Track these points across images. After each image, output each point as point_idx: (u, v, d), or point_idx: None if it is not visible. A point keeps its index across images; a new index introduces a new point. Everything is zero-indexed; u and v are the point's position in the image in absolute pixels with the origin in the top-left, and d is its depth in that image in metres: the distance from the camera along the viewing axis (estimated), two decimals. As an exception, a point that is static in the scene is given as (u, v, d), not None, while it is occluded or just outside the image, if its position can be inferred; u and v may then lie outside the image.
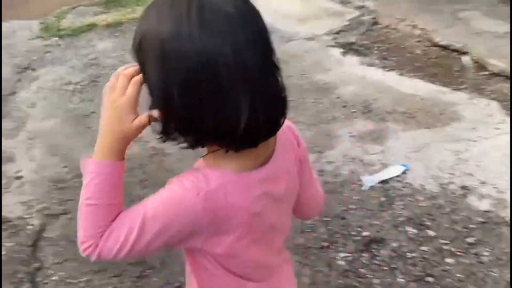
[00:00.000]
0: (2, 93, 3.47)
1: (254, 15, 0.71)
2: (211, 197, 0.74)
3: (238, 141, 0.71)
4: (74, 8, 5.37)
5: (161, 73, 0.70)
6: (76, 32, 4.62)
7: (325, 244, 2.13)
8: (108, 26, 4.74)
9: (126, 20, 4.84)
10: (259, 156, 0.79)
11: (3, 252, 2.15)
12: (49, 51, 4.30)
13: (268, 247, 0.91)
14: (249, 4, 0.71)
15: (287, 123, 0.82)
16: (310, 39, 4.15)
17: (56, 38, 4.57)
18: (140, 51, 0.75)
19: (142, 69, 0.76)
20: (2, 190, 2.51)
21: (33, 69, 3.93)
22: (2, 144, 2.90)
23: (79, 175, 0.83)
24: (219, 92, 0.67)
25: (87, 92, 3.49)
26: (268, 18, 0.77)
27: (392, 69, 3.60)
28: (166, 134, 0.74)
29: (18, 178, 2.58)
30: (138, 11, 5.08)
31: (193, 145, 0.75)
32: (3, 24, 5.12)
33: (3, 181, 2.57)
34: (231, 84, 0.67)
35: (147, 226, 0.75)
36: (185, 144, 0.75)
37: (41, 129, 3.04)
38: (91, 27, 4.73)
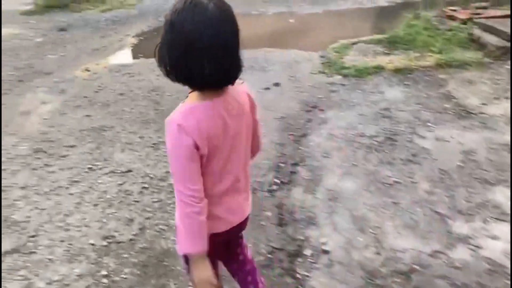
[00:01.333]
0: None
1: (232, 16, 1.21)
2: (187, 117, 1.23)
3: (200, 85, 1.24)
4: (354, 44, 5.12)
5: (164, 40, 1.20)
6: (362, 74, 4.28)
7: None
8: (396, 71, 4.28)
9: (416, 67, 4.31)
10: (218, 95, 1.27)
11: None
12: (334, 90, 4.05)
13: (236, 168, 1.39)
14: (226, 10, 1.19)
15: (244, 85, 1.38)
16: None
17: (340, 77, 4.32)
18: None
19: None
20: (308, 264, 2.20)
21: (320, 110, 3.72)
22: (302, 196, 2.67)
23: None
24: (191, 54, 1.17)
25: (385, 153, 3.04)
26: None
27: None
28: (167, 76, 1.23)
29: (325, 252, 2.24)
30: (428, 57, 4.51)
31: (180, 82, 1.23)
32: (287, 52, 5.24)
33: (308, 251, 2.28)
34: (198, 51, 1.16)
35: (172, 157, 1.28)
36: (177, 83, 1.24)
37: (341, 190, 2.69)
38: (377, 69, 4.34)
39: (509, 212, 2.44)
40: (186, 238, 1.31)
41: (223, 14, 1.18)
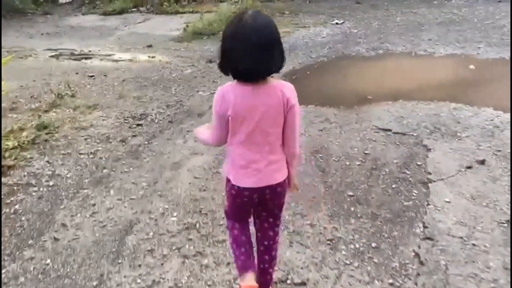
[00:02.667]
0: None
1: (267, 28, 1.66)
2: (224, 90, 1.75)
3: (237, 77, 1.71)
4: None
5: (220, 45, 1.70)
6: None
7: None
8: None
9: None
10: (255, 83, 1.71)
11: None
12: None
13: (255, 142, 1.80)
14: (267, 23, 1.67)
15: (287, 83, 1.80)
16: None
17: None
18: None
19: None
20: None
21: None
22: None
23: None
24: (237, 56, 1.63)
25: None
26: None
27: None
28: (219, 68, 1.74)
29: None
30: None
31: (226, 74, 1.73)
32: (479, 111, 4.17)
33: None
34: (242, 56, 1.62)
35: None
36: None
37: None
38: None
39: None
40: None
41: (254, 30, 1.63)
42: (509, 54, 5.93)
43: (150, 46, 7.57)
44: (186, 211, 2.92)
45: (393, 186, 3.13)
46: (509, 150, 3.45)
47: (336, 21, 8.49)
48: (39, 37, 8.56)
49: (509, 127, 3.81)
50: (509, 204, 2.82)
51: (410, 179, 3.21)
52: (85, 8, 11.17)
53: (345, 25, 8.26)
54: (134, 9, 10.61)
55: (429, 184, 3.11)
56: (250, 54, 1.60)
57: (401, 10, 9.24)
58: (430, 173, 3.25)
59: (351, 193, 3.05)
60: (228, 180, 1.89)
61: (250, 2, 10.24)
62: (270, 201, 1.90)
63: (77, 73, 6.16)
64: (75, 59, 6.97)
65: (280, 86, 1.75)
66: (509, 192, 2.94)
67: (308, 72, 5.88)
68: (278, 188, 1.87)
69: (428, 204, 2.88)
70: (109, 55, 7.15)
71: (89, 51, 7.46)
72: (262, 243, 2.02)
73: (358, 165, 3.43)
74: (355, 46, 6.88)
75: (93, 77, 5.95)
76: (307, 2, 10.61)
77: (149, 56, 6.93)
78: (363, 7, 9.71)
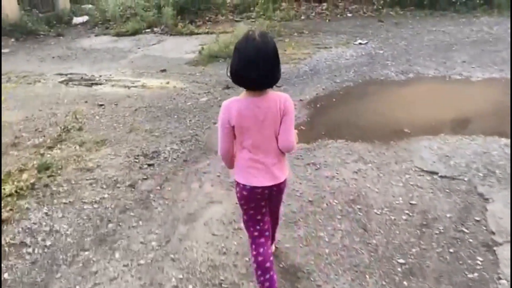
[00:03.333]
0: None
1: (268, 46, 1.94)
2: (229, 103, 2.04)
3: (245, 86, 2.01)
4: None
5: (232, 58, 1.98)
6: None
7: None
8: None
9: None
10: (256, 95, 2.01)
11: None
12: None
13: (258, 142, 2.09)
14: (264, 47, 1.93)
15: (283, 94, 2.07)
16: None
17: None
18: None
19: None
20: None
21: None
22: None
23: None
24: (241, 66, 1.93)
25: None
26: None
27: None
28: (230, 78, 2.00)
29: None
30: None
31: (236, 84, 2.02)
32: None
33: None
34: (244, 67, 1.92)
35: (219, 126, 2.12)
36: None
37: None
38: None
39: None
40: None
41: (261, 48, 1.93)
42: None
43: (164, 70, 7.19)
44: (203, 284, 2.45)
45: (451, 250, 2.61)
46: None
47: (360, 41, 8.03)
48: (50, 60, 8.27)
49: None
50: None
51: (470, 240, 2.69)
52: (98, 29, 10.91)
53: (369, 45, 7.79)
54: (148, 30, 10.31)
55: (495, 249, 2.59)
56: (255, 69, 1.92)
57: (427, 29, 8.74)
58: (493, 233, 2.73)
59: (401, 261, 2.54)
60: (238, 185, 2.20)
61: (268, 22, 9.88)
62: (275, 196, 2.29)
63: (86, 102, 5.79)
64: (85, 85, 6.62)
65: (278, 97, 2.04)
66: None
67: (334, 100, 5.40)
68: (282, 185, 2.23)
69: (500, 279, 2.36)
70: (121, 80, 6.78)
71: (100, 76, 7.11)
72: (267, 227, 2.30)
73: (405, 220, 2.92)
74: (383, 69, 6.40)
75: (103, 106, 5.57)
76: (327, 20, 10.19)
77: (161, 83, 6.54)
78: (387, 26, 9.24)
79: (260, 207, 2.23)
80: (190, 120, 4.97)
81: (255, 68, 1.91)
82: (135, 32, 10.12)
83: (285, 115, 2.03)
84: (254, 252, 2.21)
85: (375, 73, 6.25)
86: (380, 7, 10.85)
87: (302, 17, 10.62)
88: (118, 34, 10.07)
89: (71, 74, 7.35)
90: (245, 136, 2.07)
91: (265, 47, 1.92)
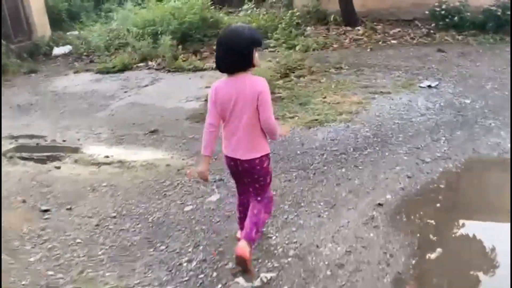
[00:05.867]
0: None
1: (240, 37, 2.36)
2: (214, 83, 2.49)
3: (219, 69, 2.44)
4: None
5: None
6: None
7: None
8: None
9: None
10: (232, 77, 2.41)
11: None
12: None
13: (234, 119, 2.43)
14: (239, 33, 2.39)
15: (261, 79, 2.43)
16: None
17: None
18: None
19: None
20: None
21: None
22: None
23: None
24: (217, 51, 2.39)
25: None
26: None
27: None
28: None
29: None
30: None
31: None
32: None
33: None
34: (217, 51, 2.39)
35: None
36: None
37: None
38: None
39: None
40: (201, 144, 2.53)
41: (235, 34, 2.37)
42: None
43: (155, 131, 5.00)
44: None
45: None
46: None
47: (427, 82, 5.79)
48: (6, 112, 6.13)
49: None
50: None
51: None
52: (81, 63, 8.80)
53: (443, 89, 5.56)
54: (141, 64, 8.16)
55: None
56: (229, 53, 2.34)
57: (509, 60, 6.50)
58: None
59: None
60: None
61: (291, 52, 7.70)
62: (245, 172, 2.55)
63: (24, 201, 3.60)
64: (37, 161, 4.44)
65: (254, 83, 2.38)
66: None
67: (438, 205, 3.17)
68: (252, 163, 2.50)
69: None
70: (90, 151, 4.60)
71: (64, 140, 4.94)
72: (248, 207, 2.67)
73: None
74: (488, 135, 4.17)
75: (48, 214, 3.38)
76: (368, 50, 8.00)
77: (148, 159, 4.34)
78: (451, 57, 7.00)
79: (238, 177, 2.67)
80: (188, 259, 2.74)
81: (224, 53, 2.36)
82: (124, 68, 7.96)
83: (260, 95, 2.36)
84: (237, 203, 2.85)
85: (481, 144, 4.01)
86: (432, 31, 8.66)
87: (335, 45, 8.42)
88: (103, 71, 7.92)
89: (25, 136, 5.18)
90: (223, 111, 2.42)
91: (236, 36, 2.36)
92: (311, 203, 3.27)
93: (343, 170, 3.73)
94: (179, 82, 7.01)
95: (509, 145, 3.95)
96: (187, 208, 3.33)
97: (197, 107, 5.73)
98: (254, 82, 2.37)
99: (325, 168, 3.81)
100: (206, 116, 2.49)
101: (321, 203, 3.26)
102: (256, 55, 2.38)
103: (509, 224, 2.87)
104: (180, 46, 8.62)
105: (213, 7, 10.25)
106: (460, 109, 4.84)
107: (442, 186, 3.42)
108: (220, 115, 2.43)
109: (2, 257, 2.85)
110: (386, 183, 3.48)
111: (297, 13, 10.33)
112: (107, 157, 4.43)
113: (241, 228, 2.69)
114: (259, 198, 2.63)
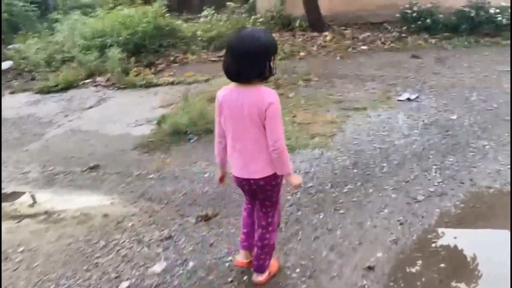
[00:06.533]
0: None
1: (254, 42, 2.03)
2: (220, 90, 2.18)
3: (227, 76, 2.09)
4: None
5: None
6: None
7: None
8: None
9: None
10: (240, 87, 2.10)
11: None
12: None
13: (238, 133, 2.15)
14: (254, 39, 2.04)
15: (272, 92, 2.10)
16: None
17: None
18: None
19: None
20: None
21: None
22: None
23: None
24: (226, 57, 2.09)
25: None
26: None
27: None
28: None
29: None
30: None
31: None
32: None
33: None
34: (226, 57, 2.09)
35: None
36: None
37: None
38: None
39: None
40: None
41: (250, 38, 2.04)
42: None
43: (95, 167, 4.19)
44: None
45: None
46: None
47: (406, 95, 5.21)
48: None
49: None
50: None
51: None
52: (20, 81, 7.83)
53: (424, 102, 4.97)
54: (89, 81, 7.29)
55: None
56: (238, 61, 2.04)
57: (492, 68, 6.01)
58: None
59: None
60: None
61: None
62: (258, 192, 2.25)
63: None
64: None
65: (264, 95, 2.07)
66: None
67: (443, 265, 2.50)
68: (260, 182, 2.20)
69: None
70: (11, 199, 3.75)
71: (-18, 184, 4.07)
72: (256, 225, 2.37)
73: None
74: (485, 161, 3.58)
75: None
76: (338, 57, 7.39)
77: (83, 207, 3.54)
78: (428, 64, 6.46)
79: (247, 194, 2.38)
80: None
81: (234, 60, 2.06)
82: (68, 86, 7.05)
83: (268, 116, 2.06)
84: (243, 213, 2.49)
85: (479, 173, 3.41)
86: (404, 35, 8.15)
87: (302, 53, 7.77)
88: (43, 91, 6.99)
89: None
90: (227, 123, 2.17)
91: (251, 40, 2.04)
92: (284, 270, 2.55)
93: (321, 216, 3.04)
94: (129, 102, 6.18)
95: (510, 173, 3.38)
96: (123, 286, 2.55)
97: (147, 133, 4.94)
98: (264, 93, 2.08)
99: (300, 213, 3.11)
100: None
101: (297, 270, 2.55)
102: (272, 65, 2.09)
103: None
104: (133, 59, 7.79)
105: (169, 14, 9.47)
106: (448, 128, 4.25)
107: (442, 235, 2.77)
108: (225, 127, 2.19)
109: None
110: (375, 233, 2.81)
111: (261, 19, 9.71)
112: (32, 205, 3.60)
113: (244, 246, 2.47)
114: (265, 215, 2.35)
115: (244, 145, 2.14)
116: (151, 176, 3.94)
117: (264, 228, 2.32)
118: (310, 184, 3.48)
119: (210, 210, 3.25)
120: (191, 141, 4.57)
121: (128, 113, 5.67)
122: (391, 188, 3.32)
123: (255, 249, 2.37)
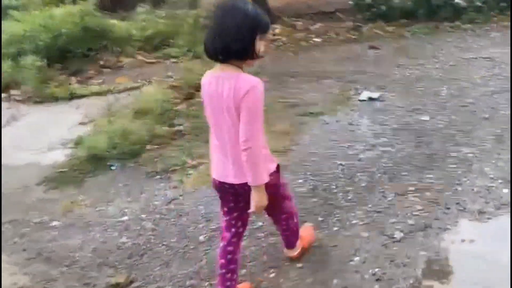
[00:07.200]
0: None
1: (238, 12, 1.72)
2: (204, 76, 1.85)
3: (207, 55, 1.77)
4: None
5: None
6: None
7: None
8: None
9: None
10: (220, 70, 1.79)
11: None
12: None
13: (219, 129, 1.84)
14: (241, 12, 1.73)
15: (253, 78, 1.75)
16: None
17: None
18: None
19: None
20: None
21: None
22: None
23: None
24: (206, 34, 1.77)
25: None
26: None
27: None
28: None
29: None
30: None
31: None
32: None
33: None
34: (206, 33, 1.76)
35: None
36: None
37: None
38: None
39: None
40: None
41: (234, 10, 1.73)
42: None
43: (-17, 215, 3.25)
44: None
45: None
46: None
47: (367, 93, 4.50)
48: None
49: None
50: None
51: None
52: None
53: (389, 101, 4.28)
54: (3, 96, 6.21)
55: None
56: (212, 32, 1.74)
57: (458, 55, 5.42)
58: None
59: None
60: None
61: (200, 68, 6.13)
62: (240, 198, 1.93)
63: None
64: None
65: (242, 75, 1.74)
66: None
67: None
68: (239, 190, 1.88)
69: None
70: None
71: None
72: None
73: None
74: (468, 174, 2.91)
75: None
76: (290, 53, 6.63)
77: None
78: (388, 56, 5.81)
79: (225, 199, 2.00)
80: None
81: (213, 33, 1.76)
82: (-24, 103, 5.94)
83: (243, 106, 1.71)
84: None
85: (465, 192, 2.73)
86: (359, 24, 7.51)
87: (249, 50, 6.99)
88: None
89: None
90: (209, 116, 1.89)
91: (235, 13, 1.73)
92: None
93: (272, 274, 2.26)
94: (46, 119, 5.17)
95: (504, 190, 2.71)
96: None
97: (60, 160, 3.99)
98: (244, 79, 1.74)
99: (243, 271, 2.31)
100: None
101: None
102: (260, 44, 1.76)
103: None
104: (56, 65, 6.74)
105: (100, 13, 8.40)
106: (420, 132, 3.57)
107: (434, 295, 2.05)
108: (209, 121, 1.90)
109: None
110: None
111: (204, 14, 8.83)
112: None
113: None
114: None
115: (225, 143, 1.85)
116: (54, 223, 3.03)
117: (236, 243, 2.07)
118: (259, 224, 2.69)
119: (124, 275, 2.40)
120: (112, 167, 3.68)
121: (41, 134, 4.67)
122: (361, 222, 2.58)
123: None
